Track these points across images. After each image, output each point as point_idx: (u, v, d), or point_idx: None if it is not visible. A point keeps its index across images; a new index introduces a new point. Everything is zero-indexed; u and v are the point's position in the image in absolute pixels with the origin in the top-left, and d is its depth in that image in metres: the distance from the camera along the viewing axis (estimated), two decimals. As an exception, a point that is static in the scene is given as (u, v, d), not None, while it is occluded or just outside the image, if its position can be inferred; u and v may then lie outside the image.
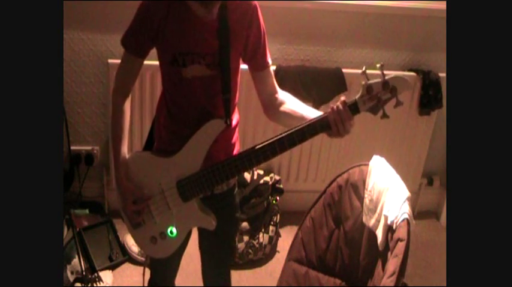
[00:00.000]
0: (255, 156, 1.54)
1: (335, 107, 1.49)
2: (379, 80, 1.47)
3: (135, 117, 2.67)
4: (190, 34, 1.54)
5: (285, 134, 1.52)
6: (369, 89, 1.47)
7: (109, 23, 2.58)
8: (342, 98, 1.51)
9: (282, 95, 1.68)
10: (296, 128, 1.51)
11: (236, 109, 1.73)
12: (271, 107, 1.67)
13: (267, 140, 1.54)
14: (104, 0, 2.53)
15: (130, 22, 1.58)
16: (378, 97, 1.47)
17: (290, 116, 1.61)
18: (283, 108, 1.65)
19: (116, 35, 2.59)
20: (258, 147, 1.54)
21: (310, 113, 1.56)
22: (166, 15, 1.52)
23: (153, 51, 1.63)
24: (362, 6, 2.73)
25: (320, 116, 1.52)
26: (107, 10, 2.56)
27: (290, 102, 1.66)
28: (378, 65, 1.46)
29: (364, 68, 1.48)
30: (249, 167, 1.58)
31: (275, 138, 1.52)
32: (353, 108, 1.49)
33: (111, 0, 2.52)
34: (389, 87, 1.46)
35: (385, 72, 1.46)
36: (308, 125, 1.51)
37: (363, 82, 1.48)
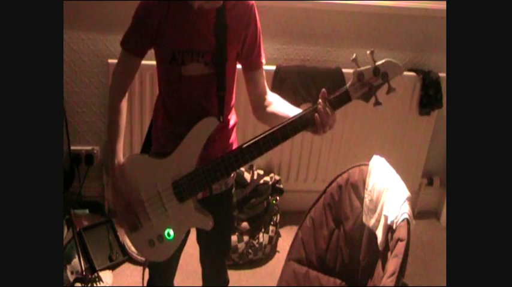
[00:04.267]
0: (249, 152, 1.54)
1: (317, 103, 1.49)
2: (369, 66, 1.46)
3: (135, 118, 2.67)
4: (189, 32, 1.54)
5: (268, 132, 1.52)
6: (359, 76, 1.47)
7: (109, 23, 2.59)
8: (323, 90, 1.50)
9: (271, 96, 1.69)
10: (278, 126, 1.52)
11: (233, 110, 1.73)
12: (260, 107, 1.69)
13: (253, 138, 1.54)
14: (104, 0, 2.53)
15: (129, 23, 1.58)
16: (369, 84, 1.47)
17: (276, 116, 1.62)
18: (270, 108, 1.67)
19: (116, 35, 2.59)
20: (245, 145, 1.54)
21: (295, 113, 1.56)
22: (166, 14, 1.52)
23: (153, 52, 1.63)
24: (362, 6, 2.73)
25: (301, 113, 1.52)
26: (107, 10, 2.56)
27: (277, 104, 1.67)
28: (368, 52, 1.45)
29: (354, 56, 1.47)
30: (243, 164, 1.58)
31: (260, 137, 1.53)
32: (344, 96, 1.49)
33: (111, 0, 2.52)
34: (380, 73, 1.45)
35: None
36: (290, 123, 1.51)
37: (354, 69, 1.47)
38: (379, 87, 1.48)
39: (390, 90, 1.47)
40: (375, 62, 1.45)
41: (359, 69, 1.46)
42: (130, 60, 1.62)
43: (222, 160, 1.56)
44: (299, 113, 1.53)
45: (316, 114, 1.49)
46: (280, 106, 1.65)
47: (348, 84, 1.48)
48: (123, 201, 1.64)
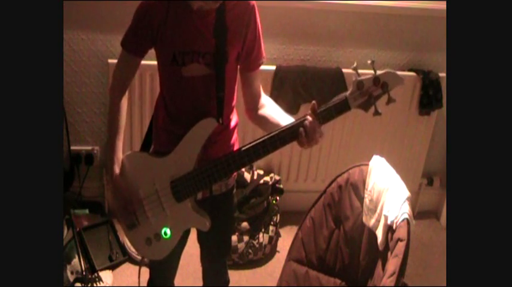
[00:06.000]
0: (247, 155, 1.55)
1: (306, 119, 1.49)
2: (369, 76, 1.46)
3: (135, 117, 2.67)
4: (189, 33, 1.54)
5: (268, 136, 1.53)
6: (359, 85, 1.46)
7: (109, 23, 2.58)
8: (313, 102, 1.51)
9: (265, 99, 1.70)
10: (268, 136, 1.53)
11: (235, 111, 1.73)
12: (252, 108, 1.70)
13: (253, 141, 1.54)
14: (104, 0, 2.53)
15: (130, 23, 1.58)
16: (369, 93, 1.47)
17: (266, 120, 1.64)
18: (261, 111, 1.68)
19: (116, 35, 2.59)
20: (244, 148, 1.55)
21: (285, 120, 1.57)
22: (166, 15, 1.52)
23: (153, 51, 1.63)
24: (362, 6, 2.73)
25: (290, 124, 1.52)
26: (107, 10, 2.56)
27: (269, 108, 1.68)
28: (369, 61, 1.45)
29: (355, 64, 1.47)
30: (242, 166, 1.58)
31: (259, 140, 1.53)
32: (344, 104, 1.48)
33: (111, 0, 2.52)
34: (380, 83, 1.45)
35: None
36: (278, 134, 1.52)
37: (354, 78, 1.47)
38: (379, 97, 1.48)
39: (390, 101, 1.47)
40: (375, 71, 1.45)
41: (359, 78, 1.46)
42: (131, 60, 1.62)
43: (220, 161, 1.56)
44: (287, 125, 1.52)
45: (301, 129, 1.49)
46: (271, 111, 1.66)
47: (347, 93, 1.48)
48: (122, 198, 1.65)
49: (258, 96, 1.70)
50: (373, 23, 2.81)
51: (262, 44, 1.64)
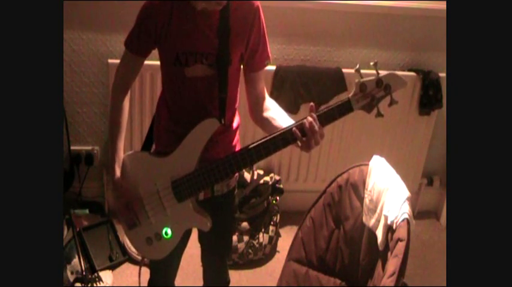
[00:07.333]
0: (249, 155, 1.54)
1: (307, 119, 1.48)
2: (372, 77, 1.46)
3: (135, 117, 2.67)
4: (193, 33, 1.54)
5: (263, 141, 1.52)
6: (362, 86, 1.47)
7: (109, 23, 2.59)
8: (311, 104, 1.50)
9: (269, 102, 1.69)
10: (270, 137, 1.52)
11: (237, 112, 1.73)
12: (255, 110, 1.68)
13: (255, 142, 1.54)
14: (104, 0, 2.53)
15: (132, 23, 1.58)
16: (371, 95, 1.47)
17: (270, 123, 1.63)
18: (266, 114, 1.66)
19: (116, 35, 2.59)
20: (246, 148, 1.54)
21: (289, 124, 1.56)
22: (170, 15, 1.52)
23: (154, 51, 1.63)
24: (362, 6, 2.73)
25: (292, 125, 1.51)
26: (107, 10, 2.56)
27: (273, 111, 1.66)
28: (372, 63, 1.46)
29: (357, 66, 1.48)
30: (244, 167, 1.58)
31: (261, 141, 1.53)
32: (346, 106, 1.49)
33: (111, 0, 2.53)
34: (383, 85, 1.46)
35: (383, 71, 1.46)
36: (280, 135, 1.51)
37: (356, 80, 1.47)
38: (382, 99, 1.48)
39: (392, 102, 1.48)
40: (378, 73, 1.46)
41: (362, 80, 1.46)
42: (134, 60, 1.63)
43: (222, 161, 1.56)
44: (288, 126, 1.52)
45: (294, 128, 1.48)
46: (275, 114, 1.65)
47: (350, 94, 1.49)
48: (122, 198, 1.65)
49: (262, 98, 1.68)
50: (373, 23, 2.81)
51: (267, 45, 1.63)
